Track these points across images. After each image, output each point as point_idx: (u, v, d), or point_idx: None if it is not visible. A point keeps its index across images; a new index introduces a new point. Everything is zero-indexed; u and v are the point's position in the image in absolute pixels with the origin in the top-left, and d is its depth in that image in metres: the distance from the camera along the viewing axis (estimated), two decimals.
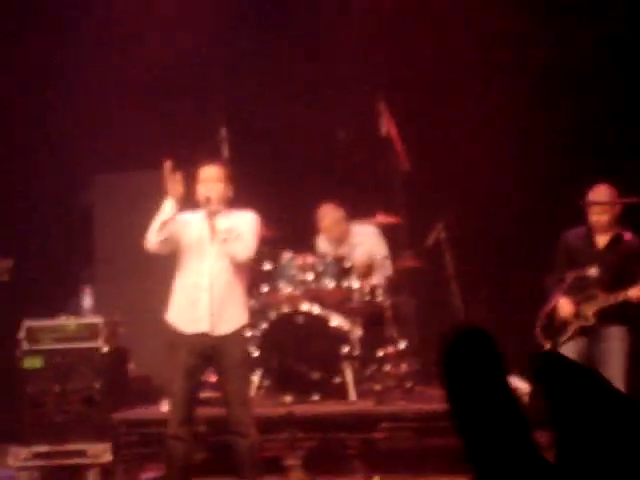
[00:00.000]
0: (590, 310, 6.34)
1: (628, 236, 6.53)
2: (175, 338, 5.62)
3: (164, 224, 5.54)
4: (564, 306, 6.38)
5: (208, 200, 5.55)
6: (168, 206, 5.57)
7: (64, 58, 8.73)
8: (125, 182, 8.86)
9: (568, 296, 6.35)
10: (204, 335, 5.57)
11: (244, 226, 5.60)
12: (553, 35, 8.21)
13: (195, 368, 5.59)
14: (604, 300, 6.32)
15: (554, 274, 6.55)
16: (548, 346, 6.53)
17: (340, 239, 7.72)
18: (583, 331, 6.35)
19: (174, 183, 5.55)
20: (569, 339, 6.30)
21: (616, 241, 6.48)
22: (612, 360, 6.33)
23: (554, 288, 6.50)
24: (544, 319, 6.50)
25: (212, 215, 5.57)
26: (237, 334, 5.64)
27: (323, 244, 7.81)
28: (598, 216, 6.43)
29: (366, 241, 7.70)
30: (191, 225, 5.64)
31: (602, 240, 6.51)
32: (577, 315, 6.32)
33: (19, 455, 7.18)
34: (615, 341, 6.36)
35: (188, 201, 5.77)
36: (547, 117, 8.27)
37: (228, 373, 5.58)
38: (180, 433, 5.53)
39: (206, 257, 5.59)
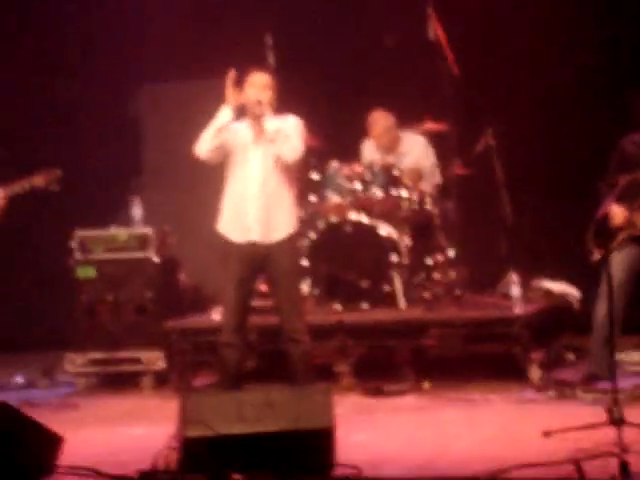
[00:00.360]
0: None
1: None
2: (226, 248, 5.67)
3: (219, 131, 5.57)
4: (617, 214, 6.27)
5: (259, 102, 5.54)
6: (225, 113, 5.59)
7: None
8: (173, 92, 8.83)
9: (621, 201, 6.20)
10: (254, 244, 5.60)
11: (290, 129, 5.60)
12: None
13: (246, 277, 5.65)
14: None
15: (608, 179, 6.44)
16: (597, 254, 6.47)
17: (390, 147, 7.65)
18: (633, 239, 6.27)
19: (234, 92, 5.56)
20: (618, 247, 6.20)
21: None
22: None
23: (607, 192, 6.40)
24: (596, 225, 6.41)
25: (259, 118, 5.57)
26: (287, 241, 5.66)
27: (369, 151, 7.73)
28: None
29: (414, 150, 7.62)
30: (237, 132, 5.65)
31: None
32: (629, 223, 6.22)
33: (76, 361, 7.37)
34: None
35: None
36: (602, 36, 8.06)
37: (280, 281, 5.63)
38: (233, 340, 5.62)
39: (252, 164, 5.60)
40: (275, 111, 5.69)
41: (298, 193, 6.03)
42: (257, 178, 5.59)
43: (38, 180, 6.57)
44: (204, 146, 5.59)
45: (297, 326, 5.64)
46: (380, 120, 7.60)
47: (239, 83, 5.67)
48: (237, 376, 5.70)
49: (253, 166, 5.61)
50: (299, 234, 5.95)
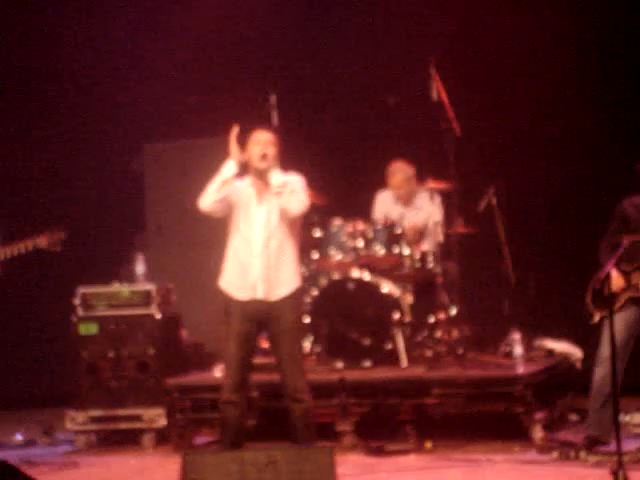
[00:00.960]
0: None
1: None
2: (228, 305, 5.67)
3: (223, 184, 5.62)
4: (615, 280, 6.30)
5: (265, 156, 5.60)
6: (229, 166, 5.65)
7: (114, 26, 8.77)
8: (175, 150, 8.92)
9: (622, 262, 6.21)
10: (258, 301, 5.61)
11: (294, 184, 5.65)
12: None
13: (249, 334, 5.64)
14: None
15: (608, 240, 6.46)
16: (597, 316, 6.49)
17: (407, 199, 7.70)
18: (633, 301, 6.28)
19: (238, 147, 5.64)
20: (619, 310, 6.20)
21: None
22: None
23: (607, 254, 6.42)
24: (595, 287, 6.43)
25: (265, 171, 5.62)
26: (290, 298, 5.66)
27: (386, 202, 7.74)
28: None
29: (426, 205, 7.69)
30: (240, 191, 5.69)
31: None
32: (628, 285, 6.21)
33: (76, 419, 7.33)
34: None
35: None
36: (600, 86, 8.16)
37: (282, 337, 5.62)
38: (234, 398, 5.60)
39: (255, 222, 5.63)
40: (279, 168, 5.74)
41: (300, 250, 6.05)
42: (260, 236, 5.62)
43: (41, 241, 6.58)
44: (208, 199, 5.64)
45: (299, 384, 5.62)
46: (401, 170, 7.66)
47: (242, 141, 5.73)
48: (238, 434, 5.66)
49: (256, 224, 5.64)
50: (302, 291, 5.93)
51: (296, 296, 5.75)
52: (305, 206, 5.64)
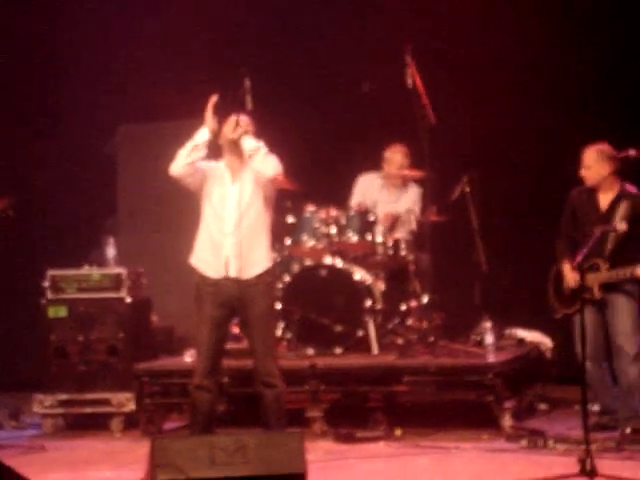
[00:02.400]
0: (595, 284, 6.28)
1: (631, 189, 6.45)
2: (200, 285, 5.63)
3: (194, 147, 5.63)
4: (569, 278, 6.36)
5: (237, 123, 5.59)
6: (202, 132, 5.66)
7: (90, 5, 8.69)
8: (148, 132, 8.82)
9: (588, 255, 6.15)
10: (230, 280, 5.57)
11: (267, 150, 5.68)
12: None
13: (221, 319, 5.61)
14: (608, 276, 6.27)
15: (561, 233, 6.54)
16: (560, 312, 6.55)
17: (397, 185, 7.69)
18: (591, 302, 6.31)
19: (213, 117, 5.64)
20: (578, 311, 6.24)
21: (617, 201, 6.36)
22: (621, 320, 6.31)
23: (562, 247, 6.48)
24: (554, 283, 6.51)
25: (238, 140, 5.61)
26: (262, 281, 5.62)
27: (375, 185, 7.73)
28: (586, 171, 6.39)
29: (411, 194, 7.70)
30: (213, 168, 5.70)
31: (605, 200, 6.41)
32: (582, 286, 6.11)
33: (44, 402, 7.28)
34: (623, 304, 6.32)
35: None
36: (573, 69, 8.19)
37: (254, 322, 5.59)
38: (205, 384, 5.57)
39: (228, 202, 5.62)
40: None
41: (273, 236, 6.02)
42: (233, 214, 5.61)
43: None
44: (178, 163, 5.66)
45: (271, 370, 5.60)
46: (403, 154, 7.62)
47: (219, 121, 5.70)
48: (209, 420, 5.65)
49: (229, 202, 5.62)
50: (273, 274, 5.90)
51: (268, 281, 5.71)
52: (280, 169, 5.64)
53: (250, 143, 5.65)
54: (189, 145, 5.66)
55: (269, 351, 5.62)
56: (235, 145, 5.67)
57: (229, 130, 5.67)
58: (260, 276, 5.63)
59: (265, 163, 5.61)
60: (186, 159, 5.62)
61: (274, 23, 8.72)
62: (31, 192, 8.78)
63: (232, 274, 5.58)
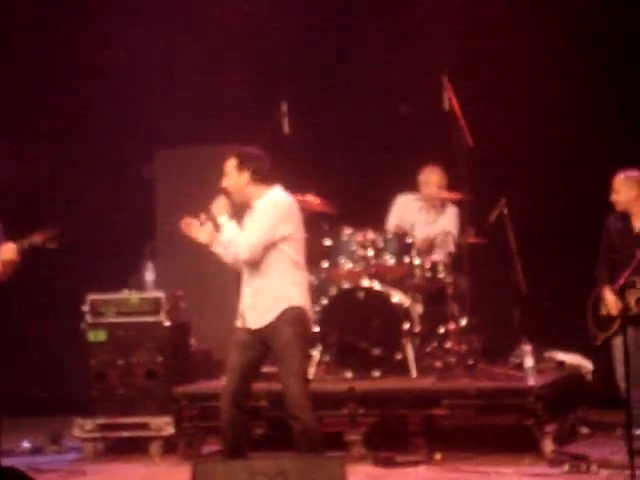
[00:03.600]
0: (632, 299, 6.24)
1: None
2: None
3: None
4: (610, 302, 6.34)
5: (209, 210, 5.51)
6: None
7: (127, 29, 8.77)
8: (186, 157, 8.87)
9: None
10: (249, 329, 5.53)
11: (249, 221, 5.48)
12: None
13: (248, 344, 5.51)
14: None
15: (600, 257, 6.53)
16: (600, 338, 6.50)
17: (435, 206, 7.69)
18: (631, 320, 6.23)
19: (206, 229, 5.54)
20: (617, 332, 6.16)
21: None
22: None
23: (602, 270, 6.46)
24: (593, 308, 6.48)
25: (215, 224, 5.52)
26: (282, 318, 5.44)
27: (412, 207, 7.72)
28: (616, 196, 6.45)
29: (448, 215, 7.69)
30: None
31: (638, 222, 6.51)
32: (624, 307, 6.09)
33: (84, 426, 7.30)
34: None
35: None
36: (620, 95, 8.15)
37: (278, 354, 5.49)
38: (233, 407, 5.46)
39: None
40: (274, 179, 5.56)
41: (309, 259, 5.92)
42: (246, 268, 5.53)
43: (37, 238, 6.45)
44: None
45: (296, 402, 5.40)
46: (440, 177, 7.62)
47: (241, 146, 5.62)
48: (240, 443, 5.49)
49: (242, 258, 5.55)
50: (295, 308, 5.49)
51: (290, 314, 5.48)
52: (250, 248, 5.39)
53: (223, 237, 5.47)
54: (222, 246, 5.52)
55: (293, 382, 5.42)
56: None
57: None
58: (276, 318, 5.45)
59: (229, 257, 5.48)
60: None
61: (310, 46, 8.74)
62: (71, 217, 8.85)
63: (249, 325, 5.52)
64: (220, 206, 5.49)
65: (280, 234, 5.44)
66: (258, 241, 5.41)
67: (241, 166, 5.47)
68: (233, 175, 5.49)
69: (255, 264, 5.46)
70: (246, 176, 5.47)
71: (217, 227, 5.52)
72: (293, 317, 5.48)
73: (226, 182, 5.50)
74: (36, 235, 6.28)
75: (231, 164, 5.51)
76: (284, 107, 7.50)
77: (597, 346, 6.74)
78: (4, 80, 8.83)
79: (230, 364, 5.53)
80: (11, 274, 6.07)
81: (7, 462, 5.91)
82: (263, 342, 5.53)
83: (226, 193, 5.50)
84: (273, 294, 5.47)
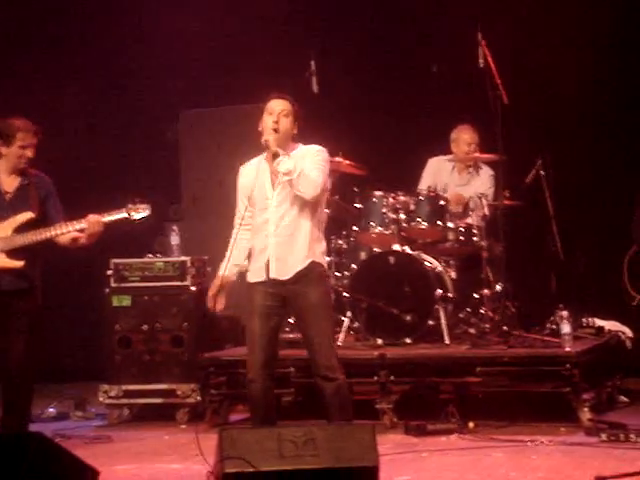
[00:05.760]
0: None
1: None
2: (249, 285, 5.44)
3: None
4: None
5: (266, 142, 5.28)
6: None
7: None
8: (210, 117, 8.69)
9: None
10: (272, 280, 5.35)
11: (308, 162, 5.30)
12: None
13: (270, 309, 5.34)
14: None
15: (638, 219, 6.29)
16: (636, 300, 6.30)
17: (469, 168, 7.49)
18: None
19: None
20: None
21: None
22: None
23: None
24: (628, 269, 6.24)
25: (271, 157, 5.29)
26: (308, 274, 5.31)
27: (445, 169, 7.53)
28: None
29: (483, 176, 7.48)
30: (253, 181, 5.36)
31: None
32: None
33: (109, 393, 7.21)
34: None
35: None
36: None
37: (306, 314, 5.31)
38: (259, 376, 5.31)
39: (270, 205, 5.33)
40: (300, 139, 5.38)
41: (339, 223, 5.77)
42: (274, 216, 5.33)
43: (120, 212, 6.09)
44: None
45: (329, 362, 5.28)
46: (473, 139, 7.42)
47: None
48: (269, 412, 5.40)
49: (271, 206, 5.34)
50: (322, 266, 5.40)
51: (315, 271, 5.35)
52: (317, 188, 5.24)
53: (283, 166, 5.23)
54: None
55: (325, 342, 5.31)
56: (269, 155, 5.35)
57: (266, 131, 5.28)
58: (302, 271, 5.31)
59: (301, 186, 5.23)
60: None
61: (339, 4, 8.52)
62: (94, 181, 8.72)
63: (273, 275, 5.32)
64: (276, 140, 5.25)
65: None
66: (323, 182, 5.29)
67: (296, 115, 5.32)
68: (289, 120, 5.29)
69: (294, 212, 5.29)
70: (295, 126, 5.32)
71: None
72: (320, 275, 5.37)
73: (281, 124, 5.26)
74: (119, 210, 5.98)
75: (289, 108, 5.30)
76: (313, 66, 7.30)
77: (636, 311, 6.52)
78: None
79: (254, 332, 5.33)
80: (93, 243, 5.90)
81: (33, 428, 5.86)
82: (283, 301, 5.35)
83: (275, 133, 5.24)
84: (302, 246, 5.32)
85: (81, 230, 5.68)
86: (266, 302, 5.34)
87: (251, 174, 5.41)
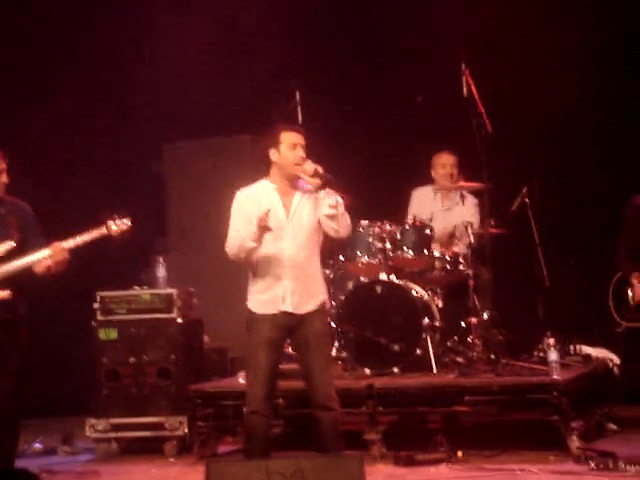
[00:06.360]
0: None
1: None
2: (253, 318, 5.40)
3: (250, 250, 5.30)
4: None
5: (316, 172, 5.26)
6: (256, 236, 5.27)
7: (138, 24, 8.63)
8: (194, 149, 8.71)
9: None
10: (286, 314, 5.36)
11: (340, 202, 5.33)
12: None
13: (278, 341, 5.38)
14: None
15: (623, 242, 6.30)
16: (623, 326, 6.30)
17: (453, 196, 7.53)
18: None
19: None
20: None
21: None
22: None
23: (624, 257, 6.23)
24: (615, 292, 6.25)
25: (317, 188, 5.30)
26: (320, 309, 5.41)
27: (423, 199, 7.57)
28: None
29: (466, 204, 7.51)
30: (259, 208, 5.30)
31: None
32: None
33: (96, 426, 7.15)
34: None
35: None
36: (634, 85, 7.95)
37: (311, 344, 5.35)
38: (262, 409, 5.31)
39: (285, 238, 5.34)
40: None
41: (326, 253, 5.81)
42: (290, 250, 5.32)
43: (87, 236, 6.03)
44: (234, 256, 5.35)
45: (330, 393, 5.34)
46: (450, 160, 7.47)
47: (269, 138, 5.44)
48: (265, 445, 5.39)
49: (286, 240, 5.34)
50: (327, 299, 5.67)
51: (324, 305, 5.50)
52: (343, 231, 5.33)
53: (331, 199, 5.27)
54: (244, 246, 5.25)
55: (327, 372, 5.38)
56: (294, 175, 5.38)
57: (292, 162, 5.30)
58: (319, 306, 5.39)
59: (341, 223, 5.30)
60: (240, 256, 5.31)
61: (323, 32, 8.59)
62: (81, 213, 8.68)
63: (289, 309, 5.34)
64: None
65: None
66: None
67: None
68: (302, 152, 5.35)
69: (310, 245, 5.34)
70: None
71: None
72: (324, 305, 5.48)
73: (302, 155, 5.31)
74: (87, 233, 5.95)
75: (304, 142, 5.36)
76: (297, 96, 7.33)
77: (623, 338, 6.52)
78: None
79: (260, 364, 5.30)
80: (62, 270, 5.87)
81: (19, 464, 5.81)
82: (289, 332, 5.35)
83: (300, 162, 5.31)
84: (317, 281, 5.43)
85: (50, 257, 5.64)
86: (274, 334, 5.34)
87: (255, 201, 5.37)
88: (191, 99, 8.65)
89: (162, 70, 8.68)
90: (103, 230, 5.76)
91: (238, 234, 5.33)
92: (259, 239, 5.26)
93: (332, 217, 5.29)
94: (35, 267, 5.69)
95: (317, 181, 5.31)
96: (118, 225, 5.77)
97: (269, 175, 5.45)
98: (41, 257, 5.64)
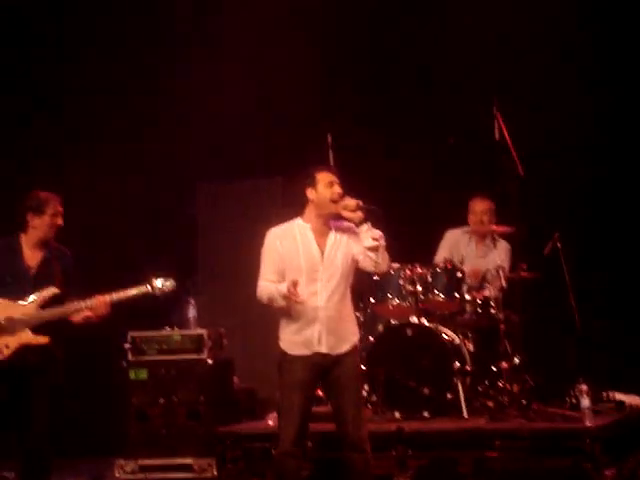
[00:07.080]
0: None
1: None
2: (285, 359, 5.39)
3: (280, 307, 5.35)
4: None
5: (358, 206, 5.35)
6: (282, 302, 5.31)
7: (171, 69, 8.72)
8: (228, 191, 8.76)
9: None
10: (321, 355, 5.35)
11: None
12: None
13: (311, 382, 5.37)
14: None
15: None
16: None
17: (486, 240, 7.50)
18: None
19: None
20: None
21: None
22: None
23: None
24: None
25: (359, 222, 5.36)
26: (353, 349, 5.42)
27: (462, 241, 7.54)
28: None
29: (499, 249, 7.48)
30: (291, 248, 5.35)
31: None
32: None
33: (125, 468, 7.15)
34: None
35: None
36: None
37: (344, 386, 5.34)
38: (294, 450, 5.29)
39: (318, 277, 5.34)
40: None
41: (356, 295, 5.80)
42: (324, 291, 5.33)
43: (132, 292, 5.89)
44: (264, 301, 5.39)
45: (361, 434, 5.33)
46: (480, 207, 7.45)
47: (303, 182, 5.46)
48: None
49: (320, 281, 5.34)
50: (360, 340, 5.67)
51: (356, 347, 5.50)
52: (383, 267, 5.42)
53: (374, 233, 5.33)
54: (272, 300, 5.31)
55: (359, 413, 5.36)
56: (331, 212, 5.40)
57: (330, 199, 5.34)
58: (353, 347, 5.40)
59: (382, 258, 5.35)
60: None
61: (356, 75, 8.62)
62: (112, 252, 8.75)
63: (324, 351, 5.34)
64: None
65: None
66: None
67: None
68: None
69: (343, 285, 5.36)
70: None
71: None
72: (357, 347, 5.49)
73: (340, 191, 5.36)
74: (131, 289, 5.97)
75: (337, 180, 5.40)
76: (329, 138, 7.37)
77: None
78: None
79: (294, 405, 5.29)
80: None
81: None
82: (322, 373, 5.34)
83: (338, 199, 5.36)
84: (351, 323, 5.45)
85: (90, 308, 5.67)
86: (307, 375, 5.33)
87: (290, 238, 5.38)
88: (224, 141, 8.69)
89: (195, 112, 8.74)
90: (147, 289, 5.78)
91: (270, 286, 5.33)
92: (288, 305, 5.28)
93: (375, 250, 5.31)
94: (73, 316, 5.71)
95: (359, 215, 5.33)
96: (164, 285, 5.79)
97: (303, 215, 5.46)
98: (82, 307, 5.67)
